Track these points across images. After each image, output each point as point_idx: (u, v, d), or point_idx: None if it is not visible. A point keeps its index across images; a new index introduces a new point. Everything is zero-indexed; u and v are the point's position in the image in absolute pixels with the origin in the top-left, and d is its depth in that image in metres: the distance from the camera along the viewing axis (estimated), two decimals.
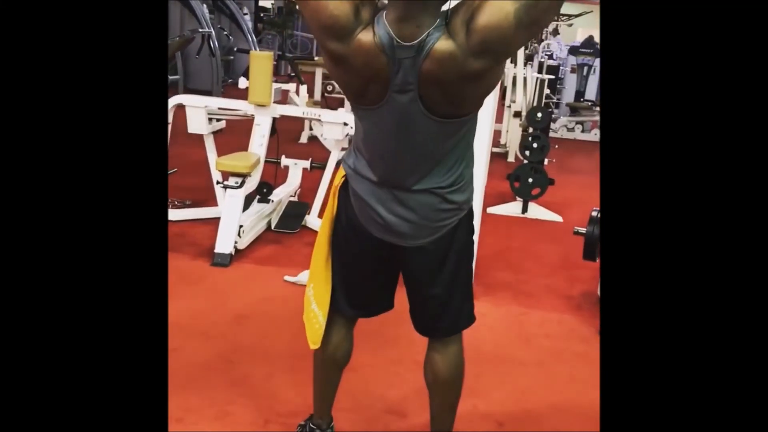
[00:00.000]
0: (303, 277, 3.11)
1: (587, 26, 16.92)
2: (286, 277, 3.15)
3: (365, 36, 1.36)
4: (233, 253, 3.36)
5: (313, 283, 1.71)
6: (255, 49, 8.73)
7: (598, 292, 3.27)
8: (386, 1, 1.37)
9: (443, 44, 1.32)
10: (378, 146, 1.49)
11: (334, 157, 3.91)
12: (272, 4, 12.08)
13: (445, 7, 1.37)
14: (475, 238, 3.18)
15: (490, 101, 2.95)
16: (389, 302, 1.75)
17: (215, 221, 3.51)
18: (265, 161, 3.85)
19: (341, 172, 1.62)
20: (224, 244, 3.33)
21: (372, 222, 1.55)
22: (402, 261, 1.63)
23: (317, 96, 6.85)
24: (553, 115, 8.02)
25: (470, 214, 1.63)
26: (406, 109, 1.39)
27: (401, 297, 1.76)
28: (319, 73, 7.12)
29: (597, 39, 10.82)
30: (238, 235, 3.41)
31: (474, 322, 1.73)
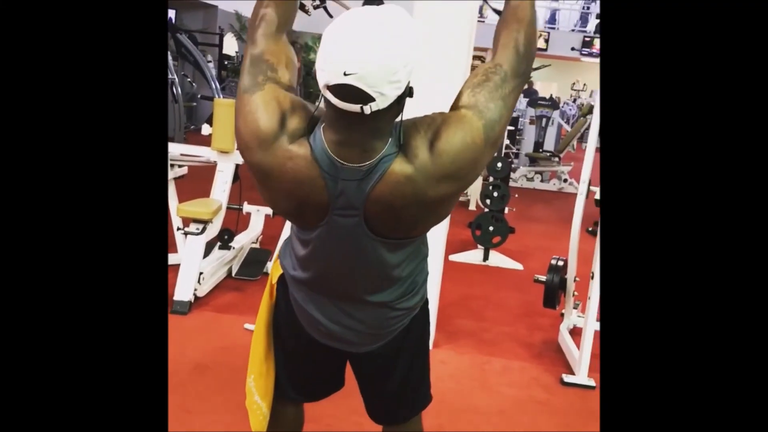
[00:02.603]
0: None
1: (545, 80, 17.54)
2: (247, 325, 3.10)
3: (297, 149, 1.17)
4: (192, 301, 3.30)
5: (254, 374, 1.57)
6: (219, 96, 8.75)
7: (558, 340, 3.30)
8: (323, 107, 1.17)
9: (400, 167, 1.15)
10: (318, 264, 1.33)
11: None
12: (236, 52, 12.17)
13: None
14: (437, 285, 3.14)
15: None
16: (339, 383, 1.64)
17: (175, 268, 3.45)
18: (227, 207, 3.83)
19: (278, 267, 1.47)
20: (183, 292, 3.28)
21: (314, 329, 1.42)
22: (351, 359, 1.53)
23: None
24: (513, 165, 8.20)
25: (425, 307, 1.49)
26: (349, 231, 1.23)
27: None
28: None
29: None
30: (198, 282, 3.36)
31: (431, 401, 1.62)
